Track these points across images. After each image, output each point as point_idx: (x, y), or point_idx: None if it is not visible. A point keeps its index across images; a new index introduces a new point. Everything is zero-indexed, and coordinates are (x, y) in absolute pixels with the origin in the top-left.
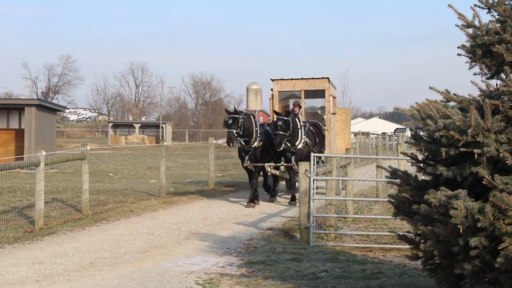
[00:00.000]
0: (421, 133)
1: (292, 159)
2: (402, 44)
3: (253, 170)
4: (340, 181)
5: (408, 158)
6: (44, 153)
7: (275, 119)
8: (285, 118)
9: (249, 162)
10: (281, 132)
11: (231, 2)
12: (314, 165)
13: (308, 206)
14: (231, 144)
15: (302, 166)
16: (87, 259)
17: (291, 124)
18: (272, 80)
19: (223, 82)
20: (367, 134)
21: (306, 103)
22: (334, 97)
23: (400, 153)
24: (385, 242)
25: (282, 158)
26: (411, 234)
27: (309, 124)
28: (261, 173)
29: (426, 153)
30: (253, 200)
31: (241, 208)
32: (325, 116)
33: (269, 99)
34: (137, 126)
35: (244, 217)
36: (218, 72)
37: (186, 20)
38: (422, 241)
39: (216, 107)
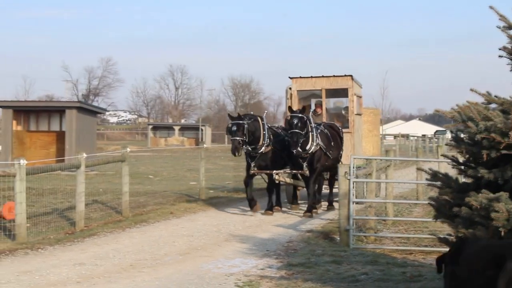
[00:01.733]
0: (462, 135)
1: (304, 165)
2: (441, 45)
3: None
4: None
5: (449, 160)
6: (84, 155)
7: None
8: (300, 115)
9: (255, 169)
10: (296, 130)
11: (270, 3)
12: (354, 167)
13: (348, 208)
14: (236, 154)
15: (342, 169)
16: (127, 261)
17: (306, 123)
18: (290, 78)
19: (262, 84)
20: (407, 136)
21: (331, 103)
22: (359, 97)
23: (441, 155)
24: (425, 244)
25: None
26: (452, 237)
27: (323, 126)
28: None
29: (467, 156)
30: (271, 208)
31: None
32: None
33: (287, 99)
34: (176, 128)
35: (283, 219)
36: (258, 73)
37: (224, 22)
38: None
39: (255, 109)
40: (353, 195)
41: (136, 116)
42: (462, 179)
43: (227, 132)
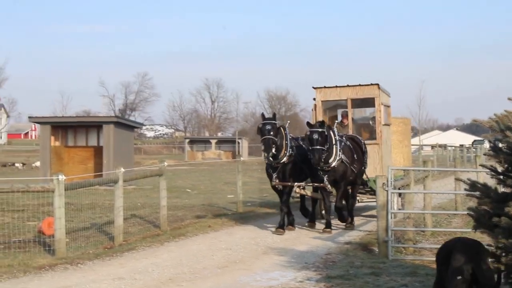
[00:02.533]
0: (500, 145)
1: (325, 179)
2: (479, 53)
3: (282, 190)
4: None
5: (487, 170)
6: (122, 169)
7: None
8: (320, 130)
9: (277, 180)
10: (318, 147)
11: (305, 15)
12: (391, 178)
13: (386, 219)
14: (269, 153)
15: (380, 180)
16: (166, 275)
17: (327, 137)
18: (314, 88)
19: (298, 96)
20: (444, 146)
21: (358, 113)
22: (387, 106)
23: (479, 165)
24: None
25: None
26: (492, 247)
27: (346, 138)
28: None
29: (506, 165)
30: (282, 226)
31: (319, 223)
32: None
33: (312, 110)
34: (213, 141)
35: (321, 231)
36: (294, 85)
37: (259, 34)
38: (504, 254)
39: (291, 121)
40: (392, 207)
41: (173, 130)
42: (501, 189)
43: (258, 132)
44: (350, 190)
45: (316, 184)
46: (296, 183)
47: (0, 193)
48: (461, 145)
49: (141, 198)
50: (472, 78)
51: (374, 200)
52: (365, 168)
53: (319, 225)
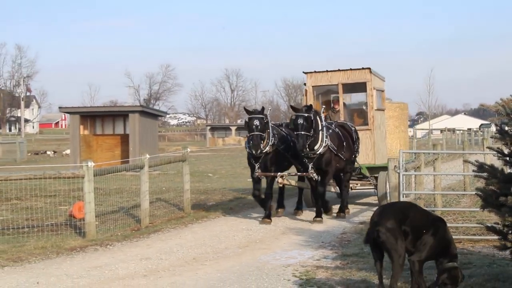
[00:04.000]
0: (507, 128)
1: (310, 166)
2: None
3: (266, 179)
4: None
5: (494, 152)
6: (147, 156)
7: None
8: (306, 114)
9: (259, 171)
10: (302, 132)
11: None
12: (403, 161)
13: (398, 200)
14: (258, 150)
15: (391, 163)
16: (190, 255)
17: (313, 122)
18: (305, 73)
19: None
20: (453, 130)
21: (353, 98)
22: (381, 91)
23: (486, 147)
24: (473, 233)
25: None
26: (499, 225)
27: (335, 125)
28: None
29: None
30: (268, 215)
31: (333, 203)
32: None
33: (303, 95)
34: (233, 128)
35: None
36: None
37: (276, 25)
38: (510, 232)
39: None
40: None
41: (194, 118)
42: (508, 170)
43: (246, 127)
44: (342, 176)
45: (299, 174)
46: (278, 173)
47: (33, 179)
48: (469, 129)
49: (165, 183)
50: (479, 65)
51: (367, 188)
52: (356, 156)
53: (307, 214)
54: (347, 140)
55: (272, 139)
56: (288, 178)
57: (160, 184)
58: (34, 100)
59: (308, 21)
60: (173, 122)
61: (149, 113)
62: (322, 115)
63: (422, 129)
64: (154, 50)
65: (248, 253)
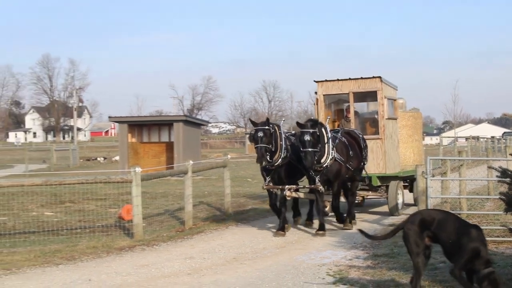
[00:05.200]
0: None
1: (317, 179)
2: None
3: (276, 192)
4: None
5: None
6: (191, 162)
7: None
8: (311, 130)
9: (271, 183)
10: (310, 149)
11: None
12: (430, 166)
13: (426, 204)
14: (263, 162)
15: (419, 169)
16: (231, 254)
17: (319, 137)
18: (316, 82)
19: None
20: (477, 138)
21: (367, 107)
22: (393, 100)
23: (509, 154)
24: (497, 235)
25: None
26: None
27: (341, 134)
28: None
29: None
30: (282, 228)
31: (365, 207)
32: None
33: (314, 104)
34: None
35: (368, 215)
36: None
37: (308, 40)
38: None
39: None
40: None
41: (234, 127)
42: None
43: (251, 140)
44: (349, 186)
45: (307, 186)
46: (286, 186)
47: (86, 183)
48: (492, 137)
49: (207, 187)
50: (503, 78)
51: (377, 197)
52: (364, 164)
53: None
54: (354, 148)
55: (284, 151)
56: (295, 190)
57: (202, 188)
58: (86, 110)
59: (338, 35)
60: (215, 130)
61: (192, 122)
62: (328, 126)
63: (448, 137)
64: (196, 63)
65: (285, 253)
